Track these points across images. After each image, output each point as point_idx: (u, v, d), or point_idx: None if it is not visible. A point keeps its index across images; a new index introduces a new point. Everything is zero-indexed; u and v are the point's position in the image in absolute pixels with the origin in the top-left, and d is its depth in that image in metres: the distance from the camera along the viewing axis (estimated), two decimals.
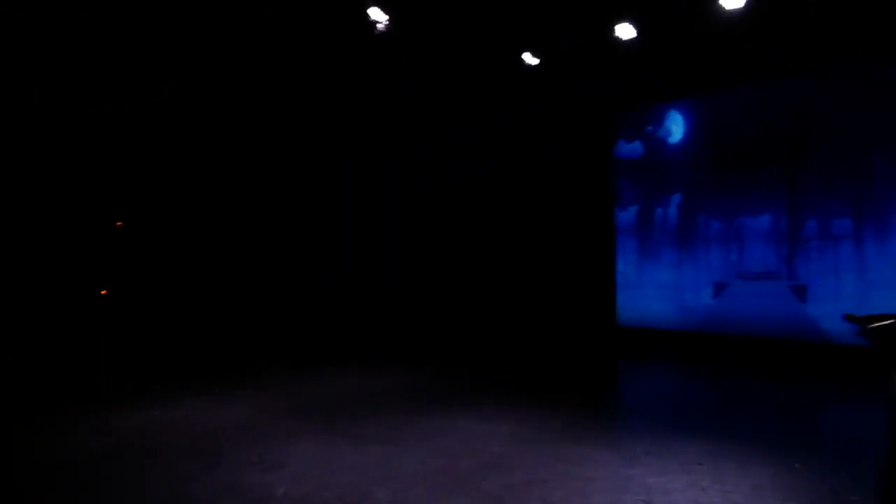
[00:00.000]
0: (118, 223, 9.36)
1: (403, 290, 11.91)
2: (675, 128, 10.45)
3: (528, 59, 10.12)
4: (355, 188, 11.63)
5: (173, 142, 9.74)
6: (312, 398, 7.59)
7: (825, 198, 8.88)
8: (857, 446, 5.79)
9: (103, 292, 9.27)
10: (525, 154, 11.84)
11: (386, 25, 9.25)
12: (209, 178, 10.12)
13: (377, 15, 9.10)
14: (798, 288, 9.14)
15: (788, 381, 8.26)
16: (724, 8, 8.23)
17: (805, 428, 6.44)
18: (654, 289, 10.86)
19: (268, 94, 10.46)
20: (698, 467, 5.19)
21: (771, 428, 6.30)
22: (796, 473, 5.03)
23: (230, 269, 10.44)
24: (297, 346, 10.37)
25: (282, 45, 9.91)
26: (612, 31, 9.20)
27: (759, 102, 9.48)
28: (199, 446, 5.82)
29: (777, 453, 5.50)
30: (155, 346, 9.42)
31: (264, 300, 10.74)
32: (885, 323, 2.75)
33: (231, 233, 10.42)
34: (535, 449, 5.65)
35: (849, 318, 2.79)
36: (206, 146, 9.99)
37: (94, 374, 8.59)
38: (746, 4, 8.16)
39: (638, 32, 9.18)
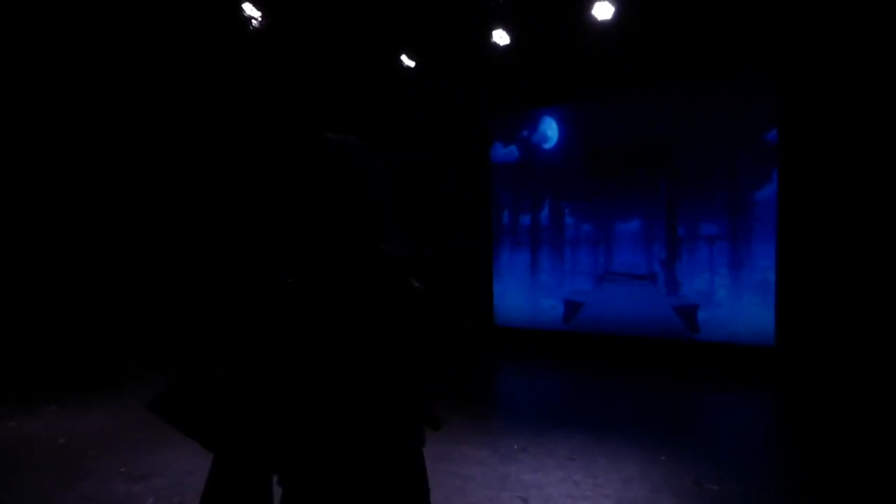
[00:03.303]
0: None
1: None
2: (550, 133, 10.77)
3: (406, 60, 10.21)
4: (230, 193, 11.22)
5: None
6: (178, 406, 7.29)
7: (695, 203, 9.39)
8: (718, 437, 6.14)
9: None
10: (403, 154, 11.82)
11: (259, 22, 9.06)
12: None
13: (251, 11, 8.91)
14: (667, 288, 9.66)
15: (657, 377, 8.66)
16: (595, 18, 8.60)
17: (672, 422, 6.72)
18: (529, 290, 11.18)
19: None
20: (572, 462, 5.39)
21: (640, 423, 6.56)
22: (663, 465, 5.31)
23: (87, 268, 9.96)
24: (164, 349, 9.91)
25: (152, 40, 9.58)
26: (489, 36, 9.41)
27: (631, 110, 9.92)
28: (62, 459, 5.54)
29: (646, 447, 5.77)
30: (6, 350, 8.82)
31: (128, 300, 10.28)
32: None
33: (86, 232, 9.96)
34: None
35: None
36: None
37: None
38: (615, 16, 8.55)
39: (512, 39, 9.44)
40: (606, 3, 8.47)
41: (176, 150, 10.76)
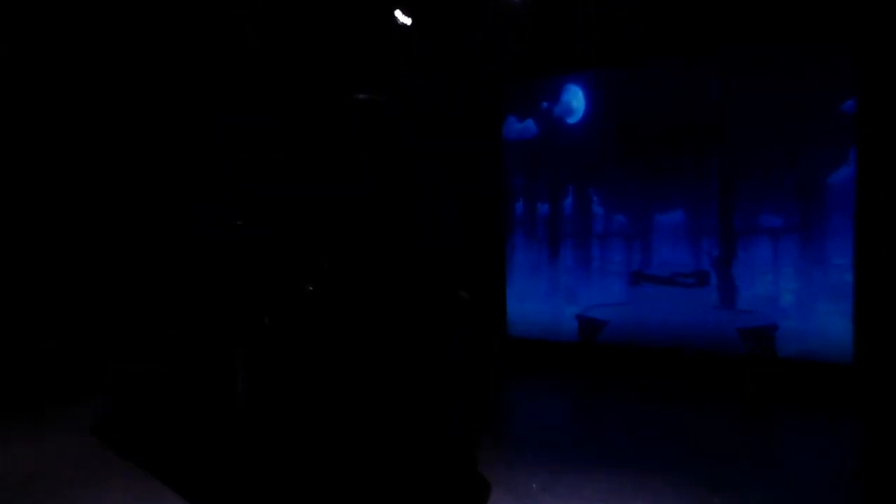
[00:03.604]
0: None
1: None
2: (576, 104, 9.98)
3: (400, 17, 9.50)
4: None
5: None
6: (127, 437, 6.79)
7: (754, 188, 8.60)
8: (781, 475, 5.62)
9: None
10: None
11: None
12: None
13: None
14: (720, 292, 8.87)
15: (706, 401, 8.03)
16: None
17: (726, 456, 6.18)
18: (550, 295, 10.39)
19: None
20: None
21: (687, 457, 6.05)
22: None
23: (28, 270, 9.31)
24: (112, 367, 9.26)
25: None
26: None
27: (677, 76, 9.11)
28: None
29: (694, 487, 5.30)
30: None
31: (71, 309, 9.55)
32: None
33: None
34: None
35: None
36: None
37: None
38: None
39: None
40: None
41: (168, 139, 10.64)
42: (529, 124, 10.38)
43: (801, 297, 8.24)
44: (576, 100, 9.92)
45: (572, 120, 9.98)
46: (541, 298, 10.44)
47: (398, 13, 9.35)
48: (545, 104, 10.22)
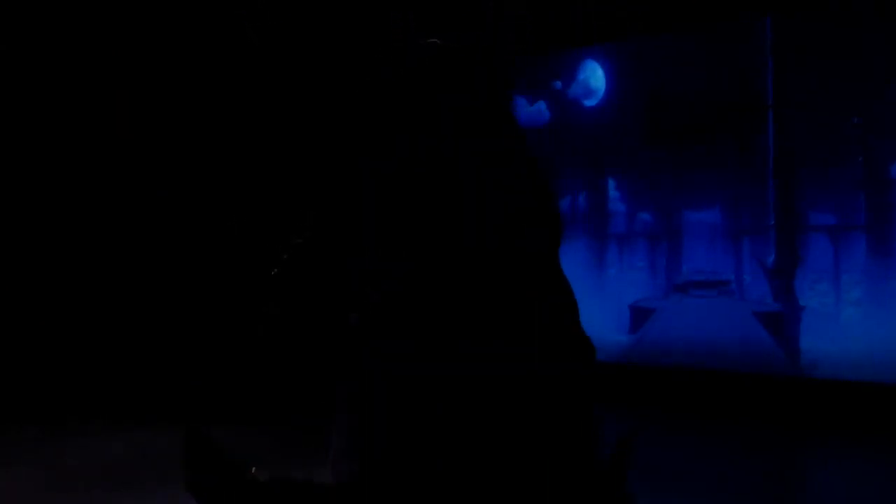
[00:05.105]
0: None
1: None
2: (595, 83, 9.02)
3: None
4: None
5: None
6: (70, 468, 6.12)
7: (810, 178, 7.67)
8: None
9: None
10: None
11: None
12: None
13: None
14: (768, 303, 7.89)
15: (755, 429, 7.17)
16: None
17: (780, 495, 5.69)
18: None
19: None
20: None
21: (732, 494, 5.32)
22: None
23: None
24: (42, 396, 8.51)
25: None
26: None
27: (717, 48, 8.20)
28: None
29: None
30: None
31: None
32: None
33: None
34: None
35: None
36: None
37: None
38: None
39: None
40: None
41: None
42: (541, 107, 9.45)
43: (867, 310, 7.28)
44: (594, 78, 8.98)
45: (591, 102, 9.08)
46: None
47: None
48: (559, 83, 9.28)
